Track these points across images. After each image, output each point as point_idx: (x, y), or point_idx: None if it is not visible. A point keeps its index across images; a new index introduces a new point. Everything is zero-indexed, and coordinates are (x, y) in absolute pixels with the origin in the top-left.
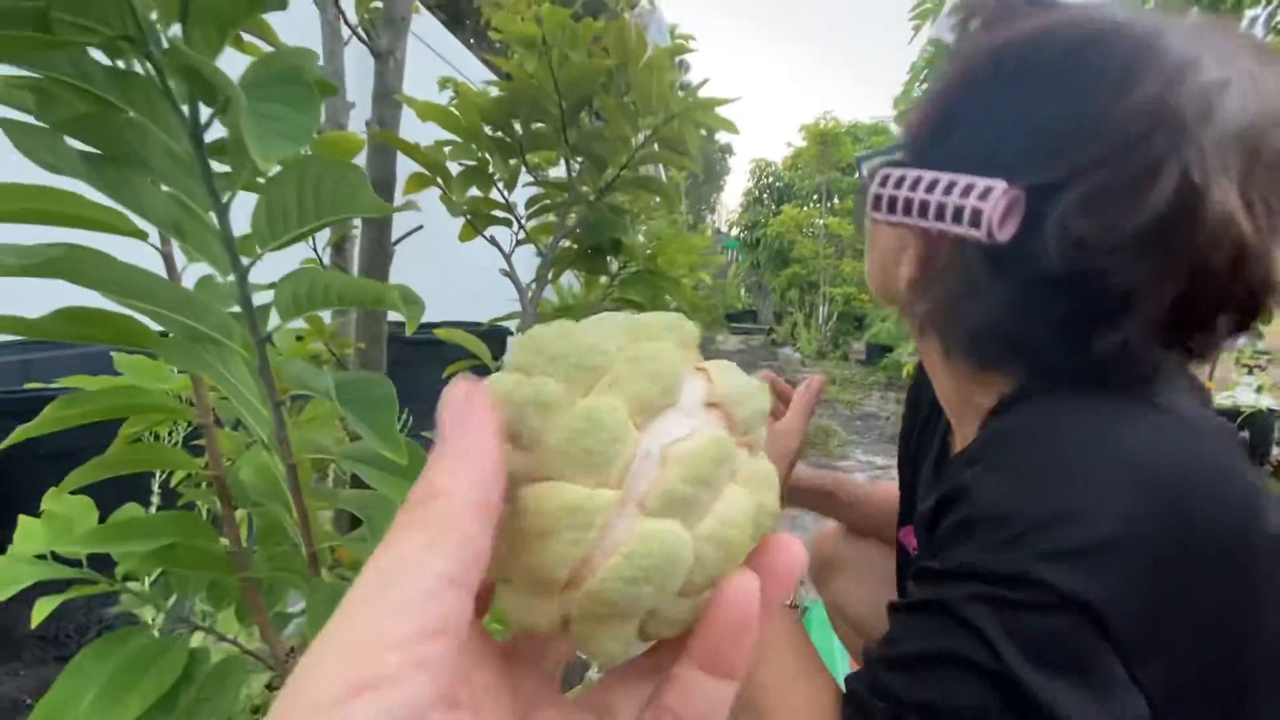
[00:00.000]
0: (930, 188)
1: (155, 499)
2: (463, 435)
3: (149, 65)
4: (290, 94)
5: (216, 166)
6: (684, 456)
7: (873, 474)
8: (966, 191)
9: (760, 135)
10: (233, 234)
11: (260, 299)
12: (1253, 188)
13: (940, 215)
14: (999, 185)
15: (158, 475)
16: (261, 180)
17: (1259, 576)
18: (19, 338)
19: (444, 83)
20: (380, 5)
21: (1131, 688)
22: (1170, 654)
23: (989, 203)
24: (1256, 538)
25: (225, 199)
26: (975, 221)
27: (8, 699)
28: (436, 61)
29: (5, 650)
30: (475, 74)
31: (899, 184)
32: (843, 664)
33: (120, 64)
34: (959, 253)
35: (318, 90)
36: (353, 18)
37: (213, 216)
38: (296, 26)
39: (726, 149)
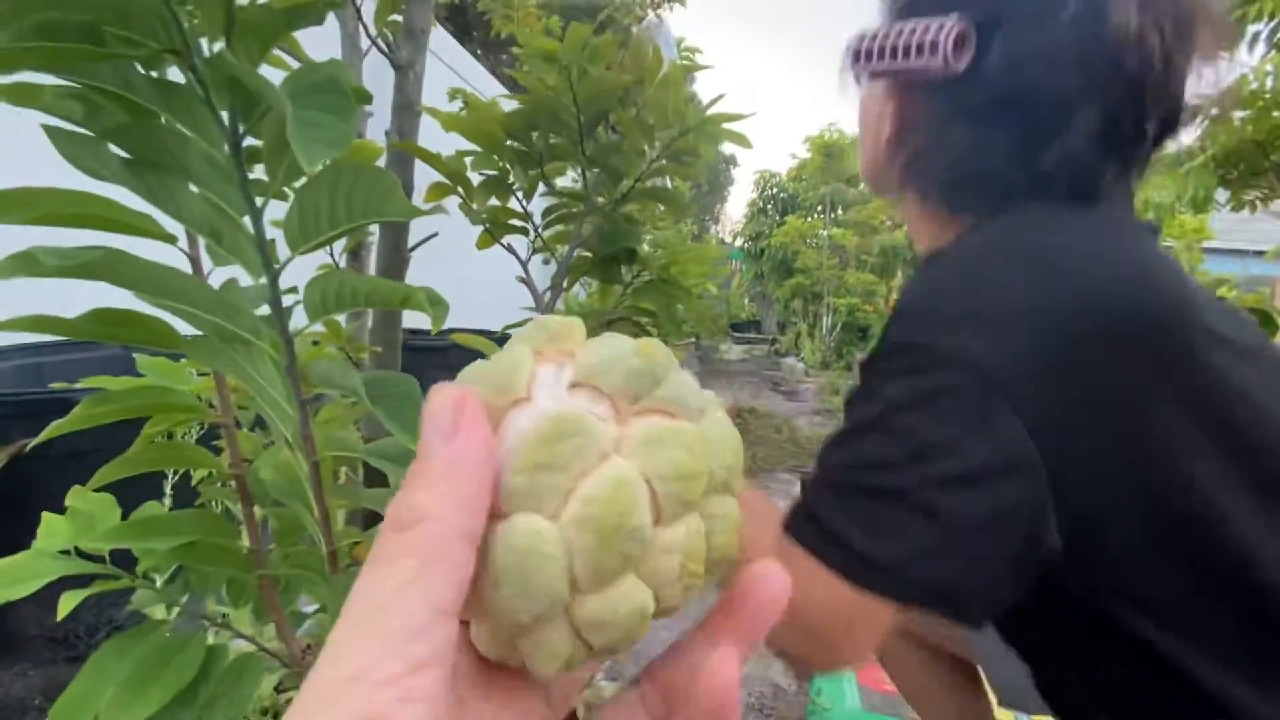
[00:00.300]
0: (899, 34)
1: (168, 498)
2: (450, 449)
3: (192, 76)
4: (329, 102)
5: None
6: (516, 449)
7: None
8: (925, 30)
9: (764, 147)
10: (266, 237)
11: (285, 301)
12: (1155, 11)
13: (907, 53)
14: (950, 19)
15: (170, 475)
16: (288, 190)
17: (1175, 365)
18: (33, 341)
19: (454, 94)
20: (400, 19)
21: (1029, 443)
22: (1081, 438)
23: (943, 32)
24: (1175, 330)
25: (260, 204)
26: (934, 51)
27: (16, 699)
28: (446, 73)
29: (13, 651)
30: (484, 86)
31: (874, 38)
32: (848, 679)
33: (157, 75)
34: (927, 101)
35: (354, 99)
36: (372, 30)
37: (247, 221)
38: (317, 39)
39: (730, 160)
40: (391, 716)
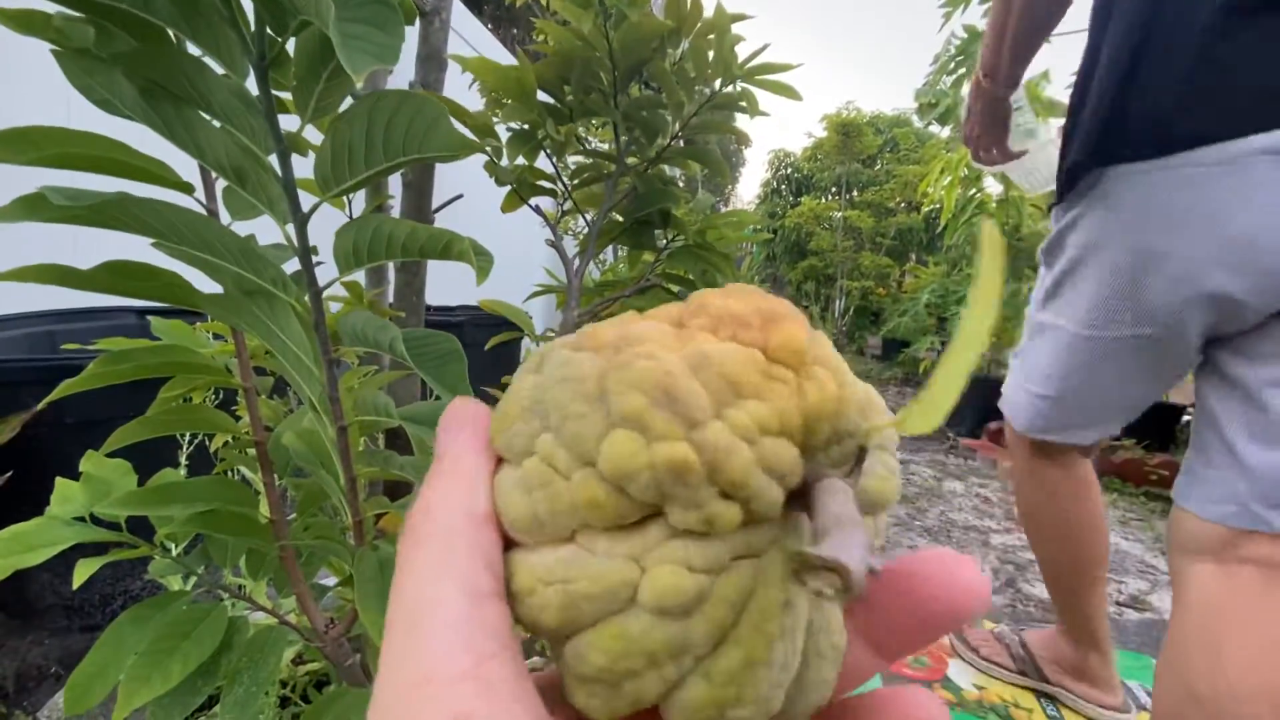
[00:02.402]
0: None
1: (184, 468)
2: (451, 449)
3: None
4: (374, 14)
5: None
6: None
7: None
8: None
9: (778, 126)
10: (294, 178)
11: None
12: None
13: None
14: None
15: (185, 445)
16: (308, 146)
17: None
18: (45, 309)
19: (466, 65)
20: None
21: None
22: None
23: None
24: None
25: (288, 142)
26: None
27: (33, 667)
28: (458, 42)
29: (30, 619)
30: (497, 57)
31: None
32: None
33: None
34: None
35: (402, 11)
36: None
37: (274, 161)
38: None
39: (742, 139)
40: (477, 712)
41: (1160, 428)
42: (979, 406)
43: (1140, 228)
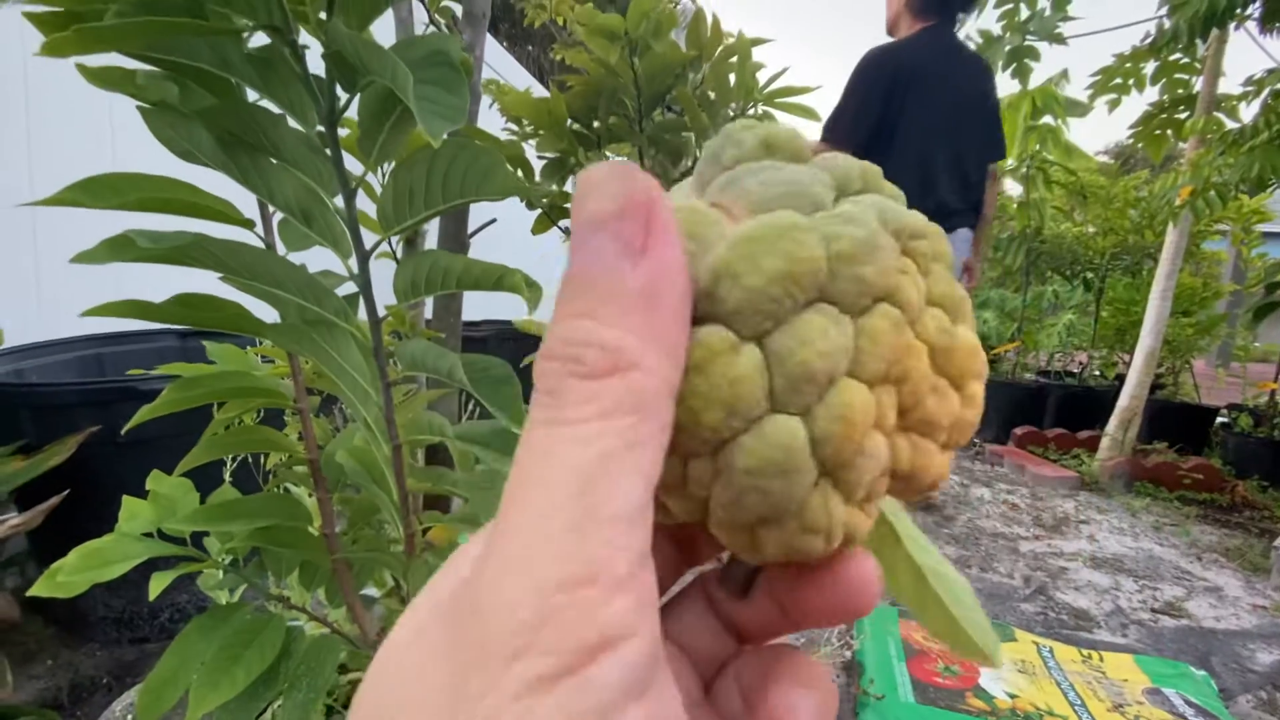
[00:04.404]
0: None
1: (227, 484)
2: (643, 271)
3: (289, 52)
4: (440, 75)
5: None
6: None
7: None
8: None
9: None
10: (357, 218)
11: (347, 288)
12: None
13: None
14: None
15: (229, 463)
16: (364, 177)
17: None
18: (95, 333)
19: (487, 86)
20: (451, 4)
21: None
22: None
23: None
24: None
25: (353, 185)
26: None
27: (86, 678)
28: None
29: (81, 632)
30: (514, 78)
31: None
32: (900, 670)
33: (250, 52)
34: None
35: (463, 72)
36: (424, 14)
37: (339, 201)
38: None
39: None
40: (635, 629)
41: (1194, 431)
42: (1005, 411)
43: None
